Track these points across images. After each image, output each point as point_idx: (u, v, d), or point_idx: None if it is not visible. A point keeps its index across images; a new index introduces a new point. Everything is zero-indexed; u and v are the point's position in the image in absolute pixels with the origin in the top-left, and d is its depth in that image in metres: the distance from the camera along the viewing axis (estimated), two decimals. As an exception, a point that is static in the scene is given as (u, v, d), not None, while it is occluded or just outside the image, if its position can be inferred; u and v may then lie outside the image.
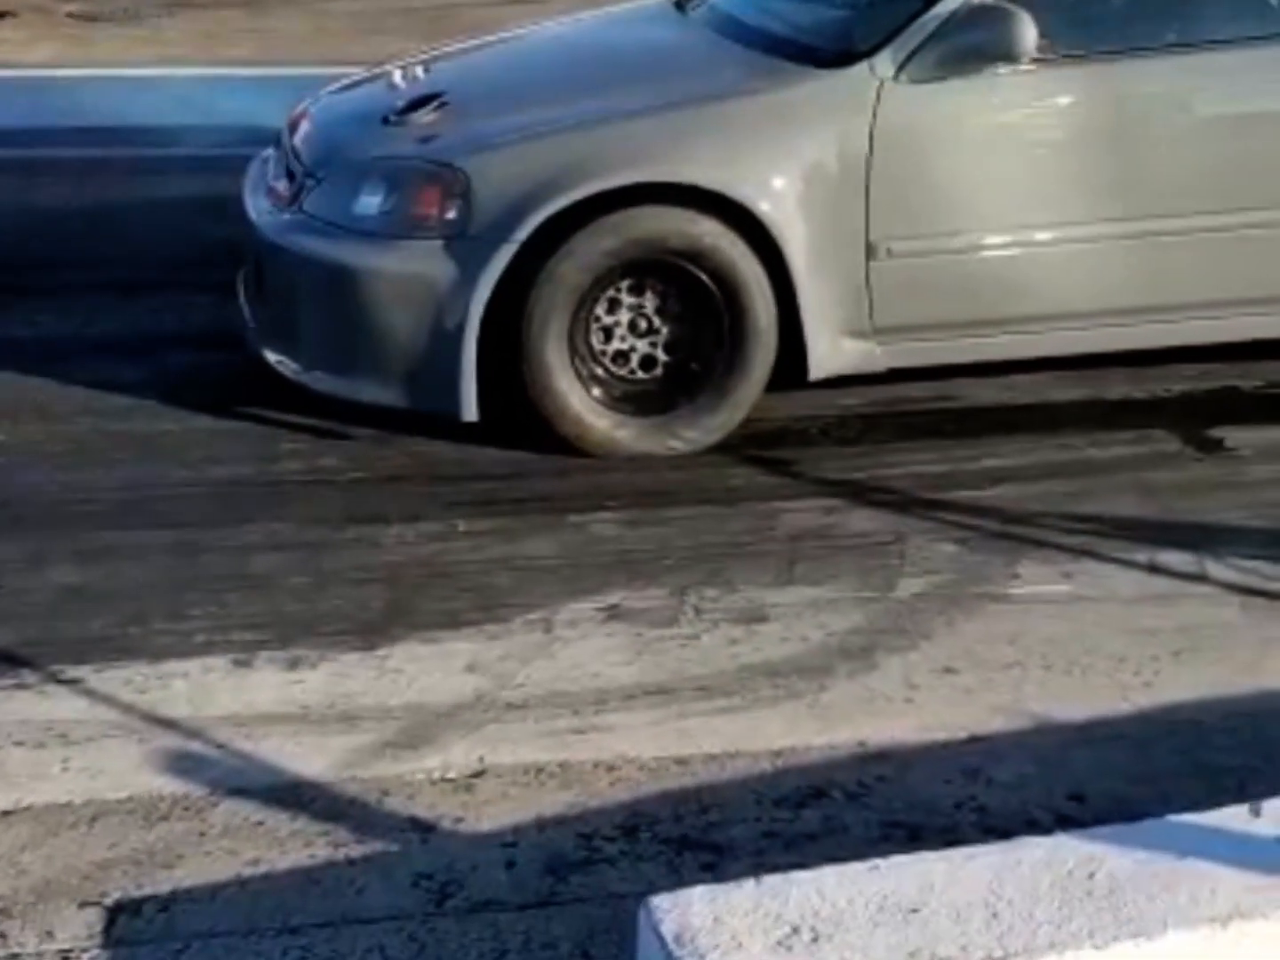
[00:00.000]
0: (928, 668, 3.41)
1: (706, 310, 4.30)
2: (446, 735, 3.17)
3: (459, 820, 2.93)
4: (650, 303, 4.31)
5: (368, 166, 4.43)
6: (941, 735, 3.19)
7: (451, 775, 3.04)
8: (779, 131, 4.34)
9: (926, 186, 4.38)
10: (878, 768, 3.09)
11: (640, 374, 4.34)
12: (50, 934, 2.62)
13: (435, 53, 5.12)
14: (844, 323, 4.37)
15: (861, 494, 4.16)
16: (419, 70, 4.77)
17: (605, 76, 4.68)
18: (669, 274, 4.29)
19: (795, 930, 2.33)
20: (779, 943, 2.30)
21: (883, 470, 4.29)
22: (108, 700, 3.25)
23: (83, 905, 2.68)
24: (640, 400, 4.33)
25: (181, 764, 3.06)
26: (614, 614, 3.59)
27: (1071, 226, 4.45)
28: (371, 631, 3.52)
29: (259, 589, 3.69)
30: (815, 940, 2.31)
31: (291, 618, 3.57)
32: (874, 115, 4.32)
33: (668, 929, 2.33)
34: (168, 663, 3.39)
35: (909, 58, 4.35)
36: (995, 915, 2.36)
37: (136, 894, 2.72)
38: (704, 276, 4.26)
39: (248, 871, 2.78)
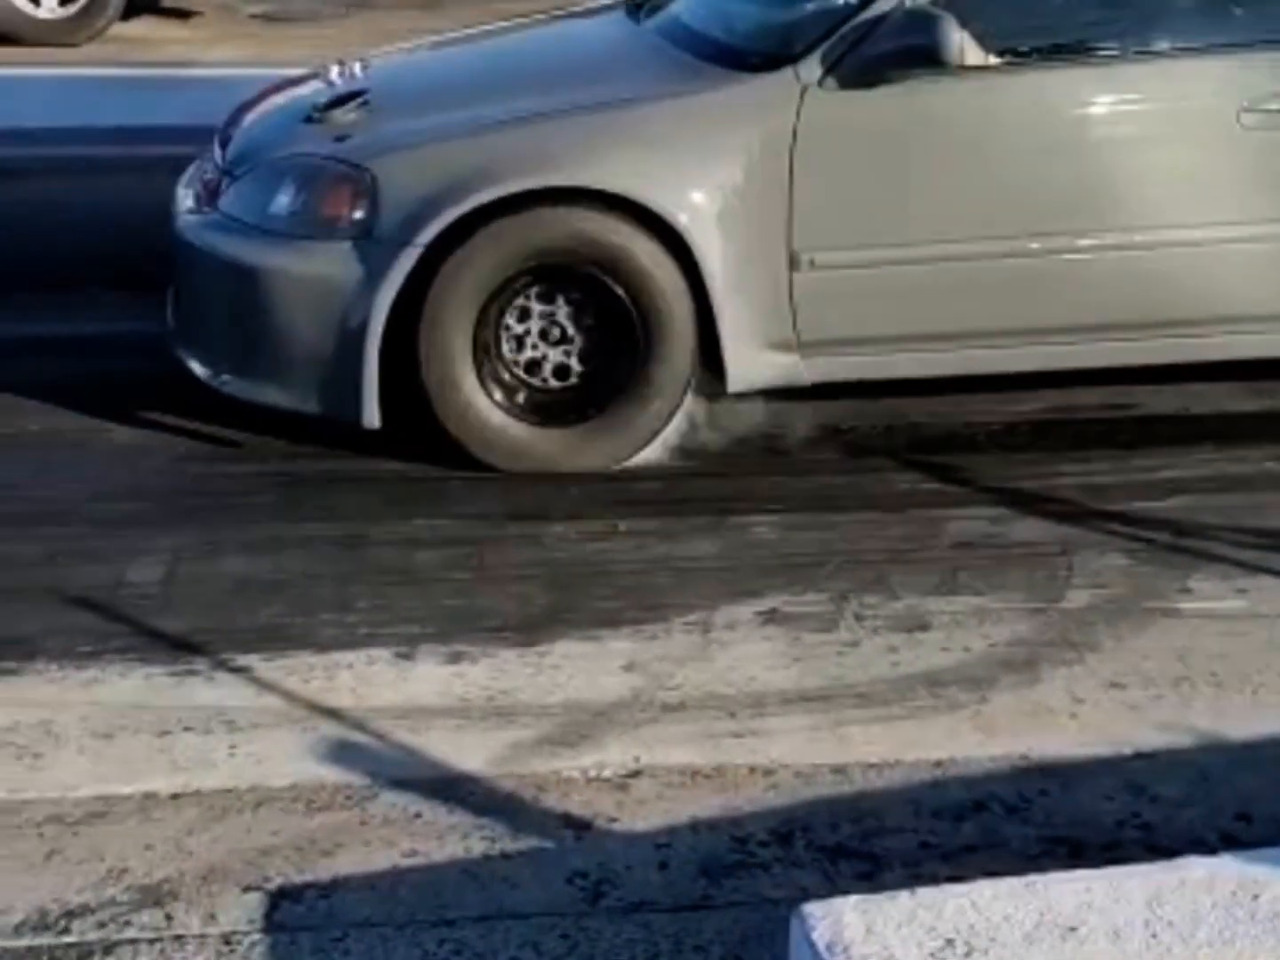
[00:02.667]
0: (1093, 682, 3.35)
1: (621, 320, 4.17)
2: (603, 734, 3.18)
3: (613, 819, 2.93)
4: (562, 311, 4.19)
5: (281, 165, 4.33)
6: (1106, 750, 3.12)
7: (607, 774, 3.05)
8: (696, 136, 4.18)
9: (851, 196, 4.21)
10: (1039, 782, 3.04)
11: (554, 383, 4.22)
12: (214, 917, 2.68)
13: (392, 50, 5.06)
14: (766, 335, 4.21)
15: (1030, 502, 4.10)
16: (357, 67, 4.63)
17: (529, 79, 4.55)
18: (582, 282, 4.16)
19: (949, 943, 2.30)
20: (932, 955, 2.27)
21: (1052, 479, 4.22)
22: (274, 689, 3.32)
23: (246, 890, 2.74)
24: (552, 411, 4.21)
25: (344, 754, 3.11)
26: (773, 618, 3.58)
27: (997, 241, 4.24)
28: (531, 628, 3.54)
29: (422, 583, 3.74)
30: (969, 955, 2.28)
31: (453, 612, 3.60)
32: (797, 121, 4.15)
33: (820, 937, 2.31)
34: (332, 653, 3.44)
35: (836, 63, 4.17)
36: (1155, 936, 2.31)
37: (298, 880, 2.76)
38: (615, 285, 4.13)
39: (405, 863, 2.82)
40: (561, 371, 4.23)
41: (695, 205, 4.12)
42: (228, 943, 2.62)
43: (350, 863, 2.81)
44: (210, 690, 3.31)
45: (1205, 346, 4.39)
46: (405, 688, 3.34)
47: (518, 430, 4.20)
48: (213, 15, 9.28)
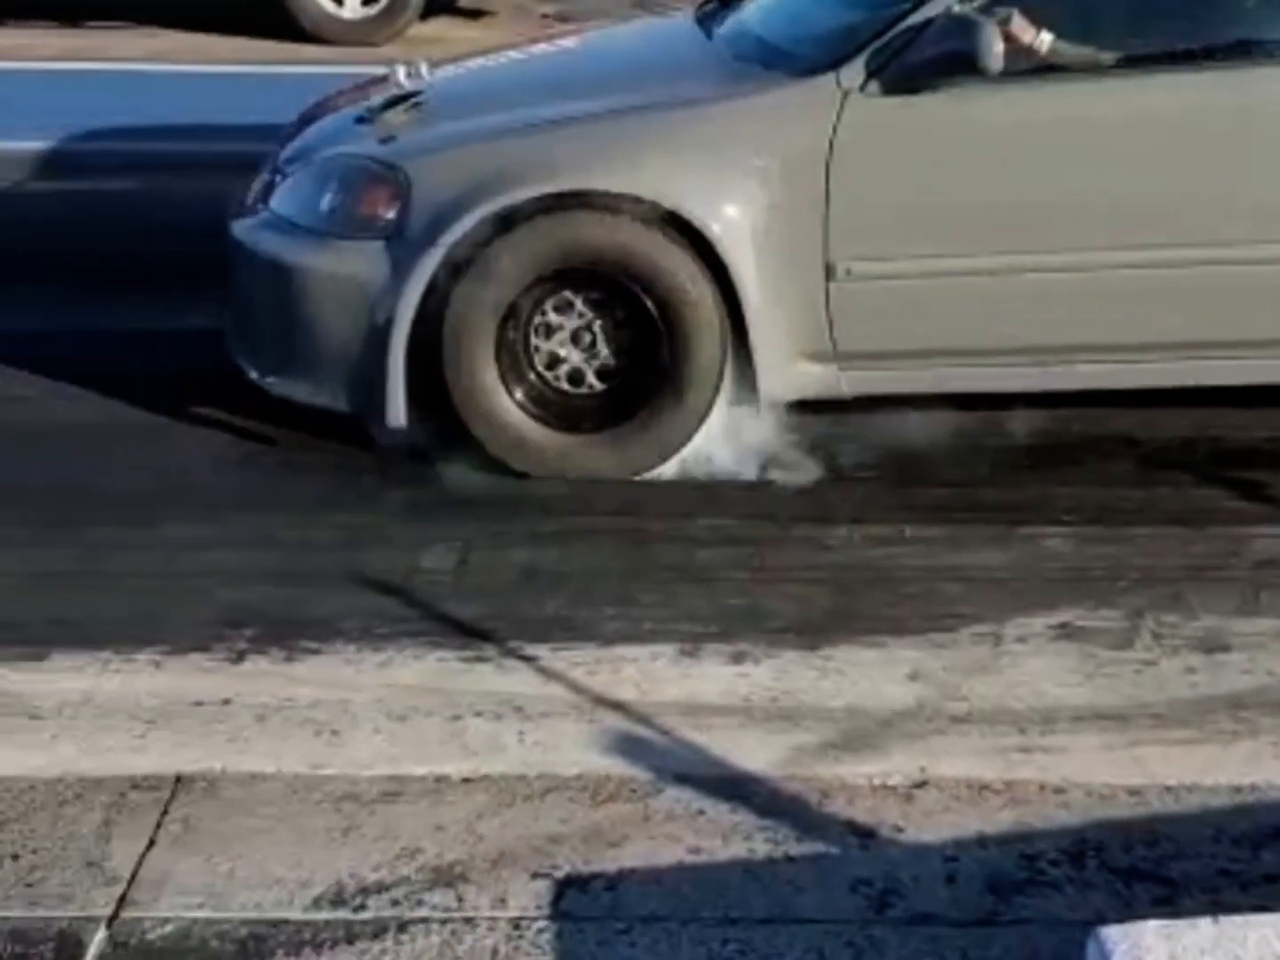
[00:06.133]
0: (1406, 713, 3.20)
1: (649, 328, 4.07)
2: (888, 742, 3.14)
3: (899, 829, 2.90)
4: (591, 317, 4.12)
5: (327, 164, 4.34)
6: None
7: (892, 783, 3.02)
8: (732, 141, 4.07)
9: (890, 205, 4.05)
10: (1346, 814, 2.91)
11: (579, 389, 4.15)
12: (503, 901, 2.72)
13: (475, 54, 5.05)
14: (802, 346, 4.09)
15: (1339, 522, 3.94)
16: (424, 68, 4.54)
17: (578, 84, 4.46)
18: (611, 288, 4.08)
19: (1255, 976, 2.22)
20: (1238, 988, 2.20)
21: (1362, 498, 4.05)
22: (560, 679, 3.36)
23: (534, 876, 2.77)
24: (576, 417, 4.15)
25: (628, 747, 3.13)
26: (1065, 632, 3.50)
27: (1039, 254, 4.05)
28: (814, 631, 3.52)
29: (705, 581, 3.74)
30: (1278, 990, 2.19)
31: (736, 612, 3.60)
32: (835, 127, 4.02)
33: (1119, 961, 2.25)
34: (617, 647, 3.47)
35: (879, 69, 4.03)
36: None
37: (584, 870, 2.79)
38: (642, 294, 4.04)
39: (689, 859, 2.82)
40: (587, 378, 4.17)
41: (729, 211, 4.03)
42: (516, 927, 2.66)
43: (635, 856, 2.83)
44: (500, 677, 3.37)
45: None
46: (688, 685, 3.35)
47: (540, 434, 4.16)
48: (506, 15, 9.45)
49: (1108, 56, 4.10)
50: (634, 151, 4.10)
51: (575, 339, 4.15)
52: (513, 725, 3.19)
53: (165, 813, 2.91)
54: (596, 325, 4.14)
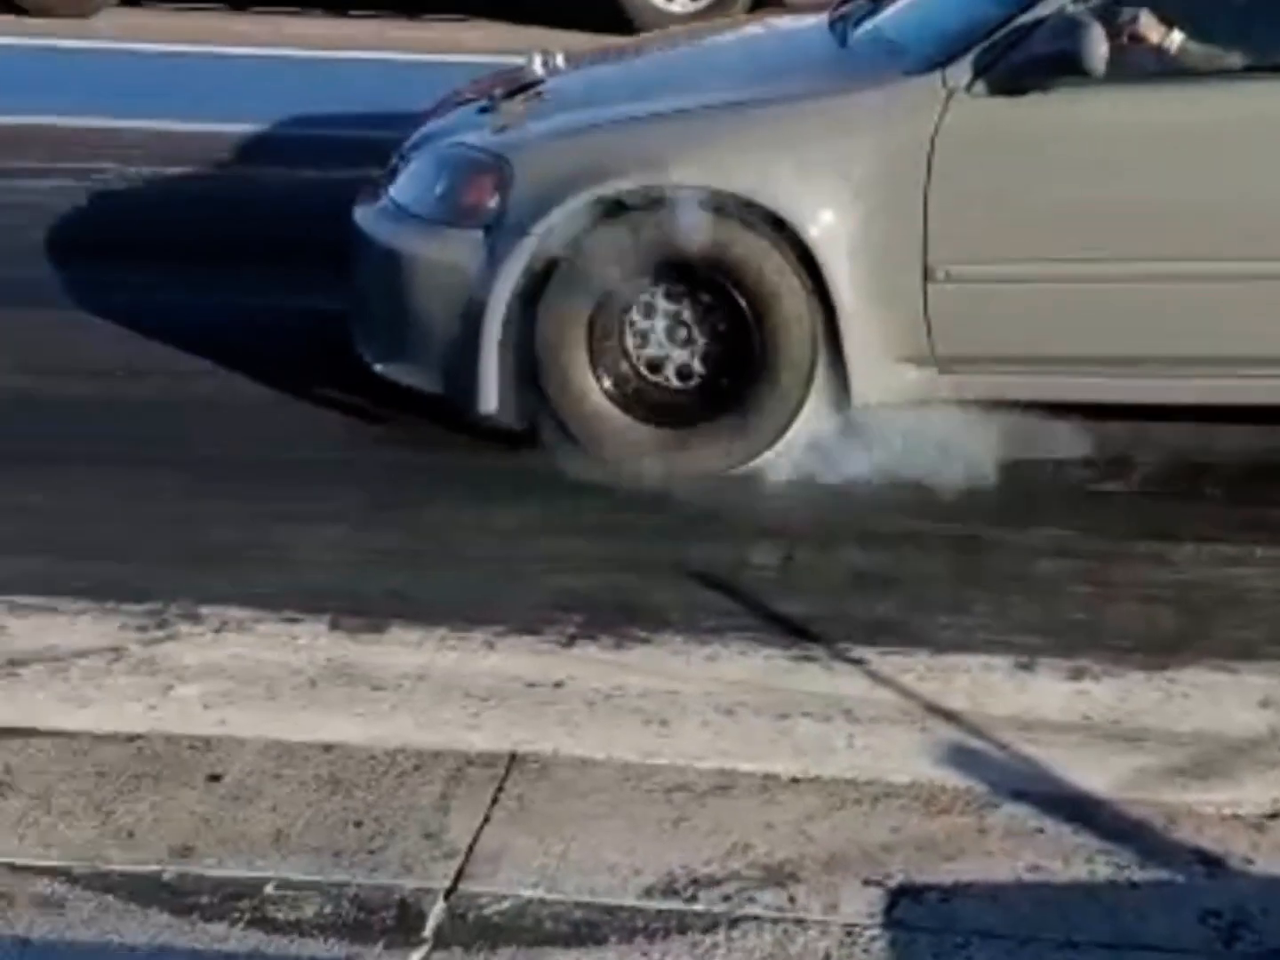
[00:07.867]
0: None
1: (739, 323, 4.01)
2: (1238, 770, 3.01)
3: (1249, 861, 2.77)
4: (681, 311, 4.06)
5: (441, 153, 4.35)
6: None
7: (1243, 812, 2.89)
8: (831, 138, 3.99)
9: (992, 207, 3.92)
10: None
11: (673, 384, 4.11)
12: (835, 906, 2.67)
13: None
14: (899, 348, 3.96)
15: None
16: (559, 59, 4.53)
17: (689, 79, 4.43)
18: (704, 284, 4.02)
19: None
20: None
21: None
22: (890, 684, 3.30)
23: (866, 883, 2.72)
24: (665, 410, 4.11)
25: (961, 758, 3.06)
26: None
27: (1146, 261, 3.88)
28: (1159, 651, 3.39)
29: (1042, 594, 3.64)
30: None
31: (1075, 627, 3.49)
32: (938, 126, 3.91)
33: None
34: (949, 655, 3.39)
35: (986, 68, 3.91)
36: None
37: (918, 880, 2.73)
38: (734, 291, 3.97)
39: (1028, 877, 2.74)
40: (681, 373, 4.13)
41: (824, 209, 3.96)
42: (849, 933, 2.62)
43: (971, 870, 2.76)
44: (828, 678, 3.32)
45: None
46: (1023, 699, 3.26)
47: (630, 426, 4.12)
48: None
49: (1235, 59, 3.94)
50: (729, 147, 4.05)
51: (674, 333, 4.13)
52: (842, 728, 3.15)
53: (500, 789, 2.94)
54: (688, 317, 4.12)
